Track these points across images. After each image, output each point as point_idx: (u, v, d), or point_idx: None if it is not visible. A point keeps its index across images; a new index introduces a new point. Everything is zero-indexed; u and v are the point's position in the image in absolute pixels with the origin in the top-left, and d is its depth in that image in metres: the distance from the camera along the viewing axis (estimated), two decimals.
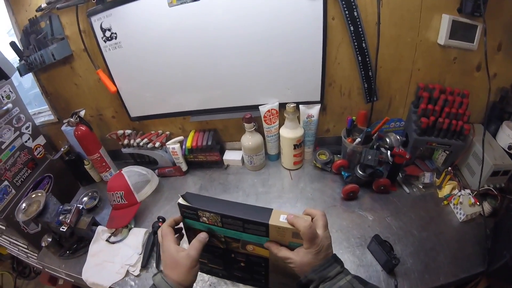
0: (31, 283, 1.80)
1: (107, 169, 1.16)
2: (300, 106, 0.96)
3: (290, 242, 0.50)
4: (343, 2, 0.79)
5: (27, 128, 1.12)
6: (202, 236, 0.54)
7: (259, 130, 1.03)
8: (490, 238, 0.72)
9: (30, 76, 1.17)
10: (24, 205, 0.93)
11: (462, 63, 0.85)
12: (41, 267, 1.00)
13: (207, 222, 0.54)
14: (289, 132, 0.95)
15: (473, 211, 0.77)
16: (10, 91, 1.07)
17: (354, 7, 0.79)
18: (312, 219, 0.50)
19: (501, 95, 0.88)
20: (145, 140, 1.12)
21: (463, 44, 0.81)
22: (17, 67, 1.06)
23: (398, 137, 0.86)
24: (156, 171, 1.14)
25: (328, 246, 0.48)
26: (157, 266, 0.81)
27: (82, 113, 1.06)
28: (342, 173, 0.91)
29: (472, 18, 0.77)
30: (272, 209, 0.51)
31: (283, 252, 0.50)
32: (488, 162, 0.79)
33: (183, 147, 1.10)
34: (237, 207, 0.53)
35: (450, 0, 0.77)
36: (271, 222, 0.49)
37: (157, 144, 1.12)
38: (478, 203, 0.78)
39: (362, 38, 0.83)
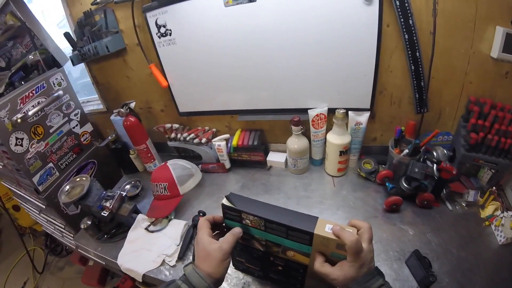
0: (62, 261, 1.89)
1: (152, 160, 1.19)
2: (350, 112, 0.95)
3: (332, 252, 0.50)
4: (399, 10, 0.77)
5: (75, 115, 1.17)
6: (237, 230, 0.54)
7: (306, 134, 1.01)
8: None
9: (79, 67, 1.22)
10: (67, 187, 0.98)
11: None
12: (75, 247, 1.03)
13: (249, 224, 0.54)
14: (337, 138, 0.94)
15: None
16: (61, 78, 1.12)
17: (409, 15, 0.77)
18: (357, 230, 0.49)
19: None
20: (192, 135, 1.14)
21: None
22: (70, 56, 1.11)
23: (446, 152, 0.84)
24: (200, 166, 1.16)
25: (371, 259, 0.48)
26: (194, 259, 0.83)
27: (132, 105, 1.09)
28: (386, 184, 0.89)
29: None
30: (317, 217, 0.50)
31: (326, 269, 0.49)
32: None
33: (229, 145, 1.11)
34: (281, 213, 0.52)
35: (505, 12, 0.73)
36: (317, 231, 0.48)
37: (203, 140, 1.13)
38: None
39: (416, 47, 0.81)
